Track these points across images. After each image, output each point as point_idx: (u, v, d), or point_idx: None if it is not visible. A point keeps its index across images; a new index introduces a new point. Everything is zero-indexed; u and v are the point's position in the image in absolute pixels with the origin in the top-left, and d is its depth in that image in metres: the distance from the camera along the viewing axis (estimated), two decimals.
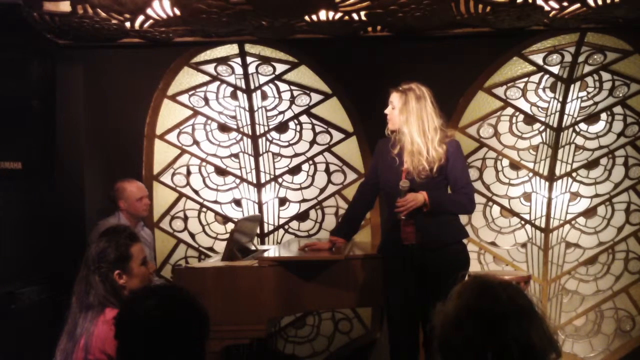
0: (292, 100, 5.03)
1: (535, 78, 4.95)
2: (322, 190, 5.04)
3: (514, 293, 1.64)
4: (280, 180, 5.04)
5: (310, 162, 5.04)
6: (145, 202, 4.70)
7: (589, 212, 4.97)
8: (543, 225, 4.96)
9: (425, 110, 3.53)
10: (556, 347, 1.63)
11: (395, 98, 3.60)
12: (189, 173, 5.06)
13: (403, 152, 3.57)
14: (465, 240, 3.69)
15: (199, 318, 1.86)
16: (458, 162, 3.58)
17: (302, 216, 5.06)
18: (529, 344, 1.58)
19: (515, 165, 4.99)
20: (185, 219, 5.06)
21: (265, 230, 5.05)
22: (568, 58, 4.90)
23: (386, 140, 3.68)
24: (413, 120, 3.51)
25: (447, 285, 3.65)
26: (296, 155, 5.04)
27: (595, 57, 4.90)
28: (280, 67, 5.02)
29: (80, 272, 2.67)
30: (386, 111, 3.64)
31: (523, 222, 4.98)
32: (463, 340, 1.58)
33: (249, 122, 5.03)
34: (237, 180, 5.05)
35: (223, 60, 5.02)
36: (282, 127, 5.05)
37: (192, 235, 5.07)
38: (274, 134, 5.05)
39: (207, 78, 5.03)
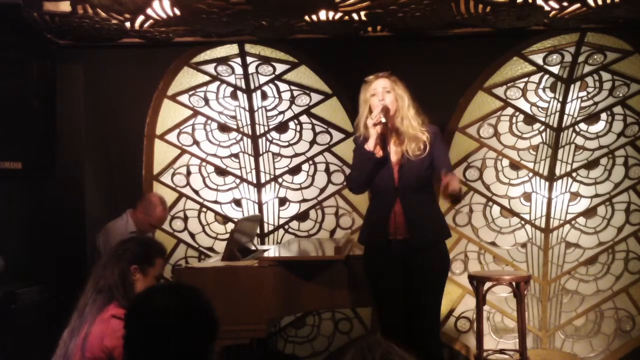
0: (292, 100, 5.03)
1: (535, 78, 4.95)
2: (322, 190, 5.04)
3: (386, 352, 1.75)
4: (280, 180, 5.04)
5: (310, 162, 5.04)
6: (153, 230, 4.72)
7: (589, 212, 4.96)
8: (543, 225, 4.96)
9: (408, 93, 3.51)
10: None
11: (386, 83, 3.47)
12: (189, 173, 5.06)
13: (389, 144, 3.50)
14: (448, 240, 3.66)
15: (210, 320, 1.86)
16: (442, 144, 3.57)
17: (302, 216, 5.06)
18: None
19: (515, 165, 4.99)
20: (185, 219, 5.06)
21: (265, 230, 5.05)
22: (568, 58, 4.90)
23: (363, 140, 3.50)
24: (409, 103, 3.48)
25: (433, 286, 3.64)
26: (296, 155, 5.04)
27: (595, 57, 4.90)
28: (280, 67, 5.02)
29: (103, 258, 2.77)
30: (383, 97, 3.43)
31: (523, 222, 4.98)
32: None
33: (249, 122, 5.03)
34: (237, 180, 5.05)
35: (223, 60, 5.02)
36: (282, 127, 5.05)
37: (192, 235, 5.07)
38: (274, 134, 5.05)
39: (207, 78, 5.03)
